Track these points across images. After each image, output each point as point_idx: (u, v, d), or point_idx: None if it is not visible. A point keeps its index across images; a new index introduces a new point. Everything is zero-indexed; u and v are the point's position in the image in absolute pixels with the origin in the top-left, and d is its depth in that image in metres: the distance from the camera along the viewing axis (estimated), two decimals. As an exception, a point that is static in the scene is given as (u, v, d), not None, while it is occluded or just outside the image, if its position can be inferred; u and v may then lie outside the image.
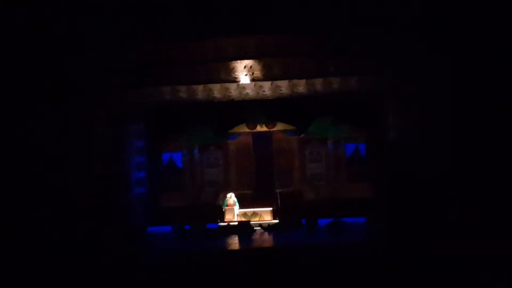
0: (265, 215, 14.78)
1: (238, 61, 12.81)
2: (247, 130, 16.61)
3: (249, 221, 14.20)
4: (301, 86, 13.80)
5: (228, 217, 14.74)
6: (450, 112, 11.72)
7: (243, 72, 12.90)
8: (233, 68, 12.96)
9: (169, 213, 15.79)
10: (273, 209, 14.97)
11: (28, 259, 9.70)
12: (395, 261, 9.12)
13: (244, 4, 12.23)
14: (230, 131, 16.57)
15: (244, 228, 13.49)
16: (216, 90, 13.90)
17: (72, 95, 12.27)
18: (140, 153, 15.53)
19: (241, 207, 15.12)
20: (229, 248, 11.55)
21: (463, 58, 11.40)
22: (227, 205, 15.12)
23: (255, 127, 16.51)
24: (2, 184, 11.08)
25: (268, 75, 13.09)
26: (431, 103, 12.13)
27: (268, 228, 14.06)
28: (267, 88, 13.83)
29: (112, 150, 13.44)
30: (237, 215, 14.82)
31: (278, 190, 16.00)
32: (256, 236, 13.25)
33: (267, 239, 12.84)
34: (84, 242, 11.38)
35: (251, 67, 12.82)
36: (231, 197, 15.23)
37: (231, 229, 13.68)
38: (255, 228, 14.06)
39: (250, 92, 14.09)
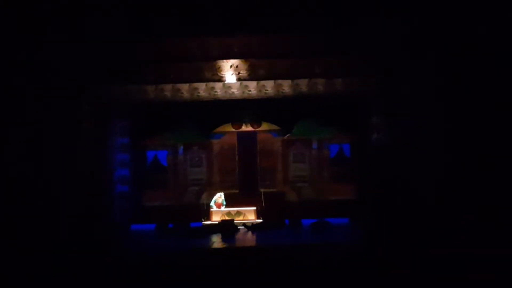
0: (249, 215, 14.81)
1: (224, 61, 12.82)
2: (232, 129, 16.61)
3: (233, 220, 14.21)
4: (287, 86, 13.83)
5: (214, 218, 14.75)
6: (435, 112, 11.80)
7: (229, 71, 12.91)
8: (219, 67, 12.96)
9: (153, 212, 15.77)
10: (257, 209, 15.00)
11: (9, 259, 9.61)
12: (379, 261, 9.19)
13: (231, 3, 12.26)
14: (215, 130, 16.58)
15: (227, 227, 13.51)
16: (202, 89, 13.87)
17: (55, 90, 12.17)
18: (124, 150, 15.46)
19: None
20: (212, 247, 11.55)
21: (448, 57, 11.49)
22: (214, 203, 15.18)
23: (240, 126, 16.52)
24: None
25: (254, 75, 13.10)
26: (416, 104, 12.19)
27: (251, 227, 14.10)
28: (252, 88, 13.84)
29: (96, 146, 13.35)
30: (222, 213, 14.84)
31: (262, 190, 16.02)
32: (239, 235, 13.28)
33: (250, 238, 12.88)
34: (66, 241, 11.33)
35: (237, 66, 12.83)
36: (221, 197, 15.27)
37: (214, 228, 13.69)
38: (238, 227, 14.09)
39: (236, 91, 14.08)
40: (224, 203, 15.23)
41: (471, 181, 11.11)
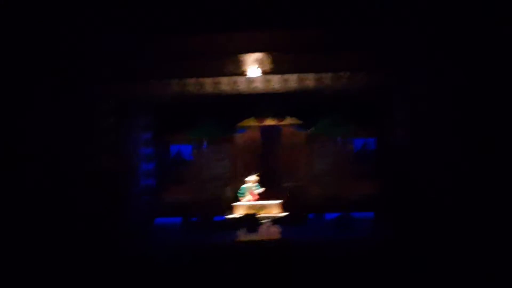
0: (272, 209, 14.80)
1: (247, 54, 12.81)
2: (256, 123, 16.60)
3: (256, 214, 14.23)
4: (310, 80, 13.78)
5: (237, 211, 14.78)
6: (459, 111, 11.66)
7: (252, 65, 12.90)
8: (242, 61, 12.96)
9: (177, 206, 15.85)
10: (280, 203, 14.99)
11: (32, 257, 9.73)
12: (401, 257, 9.15)
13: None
14: (238, 124, 16.58)
15: (250, 221, 13.53)
16: (224, 83, 13.89)
17: (81, 85, 12.31)
18: (147, 145, 15.57)
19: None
20: (236, 240, 11.59)
21: (467, 55, 11.34)
22: (245, 192, 15.17)
23: (264, 120, 16.51)
24: (7, 179, 11.11)
25: (277, 68, 13.07)
26: (440, 102, 12.06)
27: (275, 221, 14.10)
28: (275, 81, 13.81)
29: (121, 142, 13.48)
30: (245, 207, 14.83)
31: (285, 184, 15.99)
32: (263, 229, 13.30)
33: (274, 232, 12.88)
34: (92, 236, 11.45)
35: (260, 60, 12.82)
36: (254, 181, 15.35)
37: (238, 222, 13.71)
38: (262, 221, 14.10)
39: (259, 85, 14.07)
40: (258, 187, 15.24)
41: (478, 181, 10.99)
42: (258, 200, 15.18)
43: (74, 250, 10.24)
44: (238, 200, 15.26)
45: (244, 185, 15.45)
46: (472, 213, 10.80)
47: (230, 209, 15.03)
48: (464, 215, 10.90)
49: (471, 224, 10.52)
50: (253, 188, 15.35)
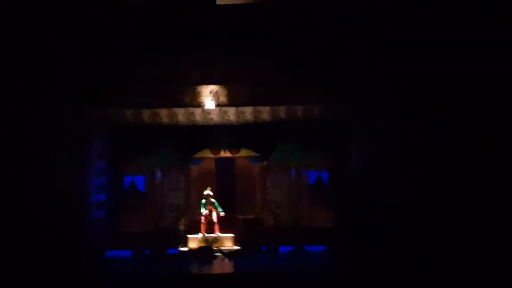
0: (226, 241, 14.70)
1: (204, 86, 12.86)
2: (211, 155, 16.55)
3: (210, 247, 14.10)
4: (265, 112, 13.92)
5: (191, 244, 14.61)
6: (411, 138, 11.93)
7: (208, 97, 12.94)
8: (199, 93, 12.99)
9: (129, 237, 15.54)
10: (234, 235, 14.91)
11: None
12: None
13: (212, 29, 12.38)
14: (194, 156, 16.50)
15: (205, 254, 13.40)
16: (181, 114, 13.89)
17: (36, 109, 12.12)
18: (101, 175, 15.28)
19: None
20: (189, 274, 11.43)
21: (424, 84, 11.68)
22: (205, 204, 14.99)
23: (219, 152, 16.48)
24: None
25: (233, 101, 13.15)
26: (394, 130, 12.31)
27: (229, 254, 14.00)
28: (231, 113, 13.90)
29: (74, 170, 13.18)
30: (199, 240, 14.67)
31: (239, 216, 15.93)
32: (216, 262, 13.17)
33: (227, 265, 12.78)
34: (41, 267, 11.12)
35: (216, 92, 12.88)
36: (208, 192, 15.13)
37: (191, 255, 13.55)
38: (216, 254, 13.97)
39: (215, 117, 14.13)
40: (220, 209, 15.08)
41: (435, 208, 11.24)
42: (212, 221, 14.98)
43: (24, 280, 9.97)
44: (198, 221, 15.03)
45: (203, 200, 15.20)
46: (429, 244, 10.99)
47: (184, 241, 14.86)
48: (422, 246, 11.07)
49: (431, 257, 10.70)
50: (215, 205, 15.12)
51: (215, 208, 15.01)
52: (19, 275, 10.28)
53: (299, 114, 13.96)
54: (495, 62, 10.83)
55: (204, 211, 15.00)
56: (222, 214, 14.92)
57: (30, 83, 11.98)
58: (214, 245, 14.47)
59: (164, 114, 13.76)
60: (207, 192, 15.17)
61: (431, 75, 11.59)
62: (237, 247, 14.51)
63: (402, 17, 11.93)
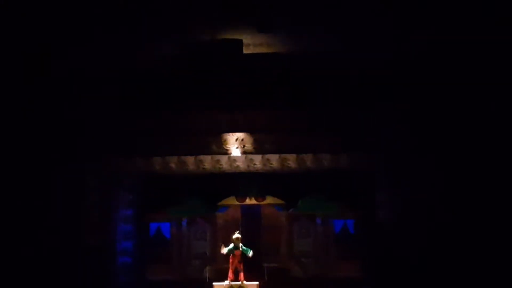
0: (251, 290, 14.53)
1: (230, 134, 13.02)
2: (236, 203, 16.57)
3: (235, 295, 13.96)
4: (292, 161, 13.96)
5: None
6: (441, 190, 11.84)
7: (235, 144, 13.08)
8: (225, 141, 13.15)
9: (157, 286, 15.50)
10: (259, 284, 14.75)
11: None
12: None
13: (238, 80, 12.60)
14: (219, 203, 16.53)
15: (229, 302, 13.26)
16: (207, 162, 14.01)
17: (64, 161, 12.35)
18: (127, 222, 15.40)
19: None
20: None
21: (450, 131, 11.67)
22: (233, 249, 14.49)
23: (245, 200, 16.49)
24: None
25: (259, 148, 13.26)
26: (422, 181, 12.25)
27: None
28: (257, 161, 13.97)
29: (102, 219, 13.34)
30: (224, 287, 14.50)
31: (265, 265, 15.80)
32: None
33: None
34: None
35: (242, 140, 13.02)
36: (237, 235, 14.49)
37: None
38: (241, 302, 13.82)
39: (241, 164, 14.21)
40: (249, 251, 14.26)
41: (466, 262, 11.05)
42: (239, 268, 14.68)
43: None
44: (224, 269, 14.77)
45: (231, 244, 14.83)
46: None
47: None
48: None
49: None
50: (244, 249, 14.78)
51: (244, 252, 14.75)
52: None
53: (325, 163, 13.97)
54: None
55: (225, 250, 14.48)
56: (251, 254, 14.48)
57: (61, 137, 12.25)
58: (240, 292, 14.31)
59: (190, 162, 13.91)
60: (236, 235, 15.02)
61: (456, 125, 11.60)
62: (262, 296, 14.33)
63: (432, 66, 11.98)
